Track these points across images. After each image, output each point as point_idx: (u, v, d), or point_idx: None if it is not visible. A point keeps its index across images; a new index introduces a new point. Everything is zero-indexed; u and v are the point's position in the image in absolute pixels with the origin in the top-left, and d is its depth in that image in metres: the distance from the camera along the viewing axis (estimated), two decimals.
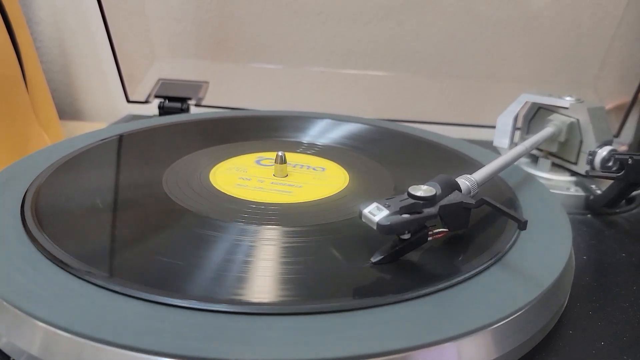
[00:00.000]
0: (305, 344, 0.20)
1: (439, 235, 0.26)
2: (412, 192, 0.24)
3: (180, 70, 0.61)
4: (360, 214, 0.24)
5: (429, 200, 0.24)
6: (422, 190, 0.24)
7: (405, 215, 0.23)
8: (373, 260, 0.24)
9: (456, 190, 0.26)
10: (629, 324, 0.27)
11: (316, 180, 0.35)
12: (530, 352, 0.24)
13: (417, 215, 0.23)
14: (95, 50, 0.69)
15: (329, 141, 0.43)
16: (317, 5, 0.58)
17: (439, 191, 0.25)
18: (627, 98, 0.52)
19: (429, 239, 0.25)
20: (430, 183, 0.26)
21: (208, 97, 0.58)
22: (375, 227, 0.23)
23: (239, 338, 0.20)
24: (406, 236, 0.24)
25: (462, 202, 0.25)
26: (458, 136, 0.47)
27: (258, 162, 0.38)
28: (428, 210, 0.24)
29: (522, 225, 0.23)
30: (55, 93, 0.70)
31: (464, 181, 0.28)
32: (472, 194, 0.28)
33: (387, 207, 0.23)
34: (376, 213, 0.23)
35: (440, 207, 0.24)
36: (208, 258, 0.25)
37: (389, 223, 0.22)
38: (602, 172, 0.38)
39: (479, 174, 0.30)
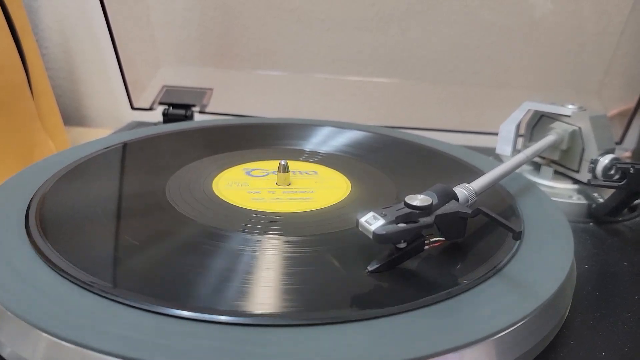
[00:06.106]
0: (304, 356, 0.20)
1: (436, 244, 0.26)
2: (409, 202, 0.24)
3: (185, 77, 0.61)
4: (357, 223, 0.24)
5: (425, 210, 0.24)
6: (419, 199, 0.25)
7: (401, 225, 0.23)
8: (369, 268, 0.24)
9: (453, 200, 0.26)
10: (630, 334, 0.26)
11: (318, 189, 0.35)
12: None
13: (413, 225, 0.23)
14: (100, 57, 0.69)
15: (332, 149, 0.43)
16: (320, 12, 0.58)
17: (436, 200, 0.25)
18: (631, 104, 0.52)
19: (426, 247, 0.25)
20: (427, 192, 0.26)
21: (212, 104, 0.59)
22: (371, 236, 0.23)
23: (241, 349, 0.20)
24: (402, 245, 0.24)
25: (458, 211, 0.25)
26: (461, 143, 0.47)
27: (261, 170, 0.38)
28: (424, 220, 0.24)
29: (517, 235, 0.23)
30: (61, 99, 0.71)
31: (462, 190, 0.28)
32: (469, 203, 0.28)
33: (384, 216, 0.23)
34: (372, 222, 0.23)
35: (437, 216, 0.24)
36: (211, 268, 0.25)
37: (384, 232, 0.22)
38: (604, 180, 0.38)
39: (478, 183, 0.30)
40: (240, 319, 0.21)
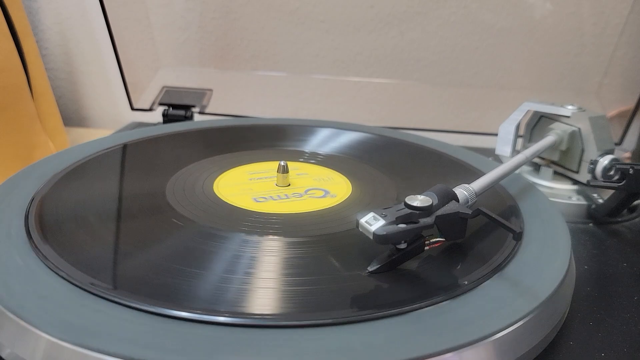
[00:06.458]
0: (304, 357, 0.20)
1: (436, 245, 0.26)
2: (409, 202, 0.24)
3: (185, 78, 0.61)
4: (357, 224, 0.24)
5: (425, 211, 0.24)
6: (419, 200, 0.25)
7: (402, 225, 0.23)
8: (370, 269, 0.25)
9: (453, 200, 0.26)
10: (629, 335, 0.27)
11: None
12: None
13: (413, 225, 0.23)
14: (100, 58, 0.69)
15: (332, 150, 0.43)
16: (320, 13, 0.59)
17: (436, 201, 0.25)
18: (630, 105, 0.52)
19: (426, 248, 0.25)
20: (427, 193, 0.26)
21: (212, 105, 0.59)
22: (371, 237, 0.23)
23: (240, 350, 0.20)
24: (402, 246, 0.25)
25: (458, 212, 0.25)
26: (461, 144, 0.47)
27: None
28: (424, 220, 0.24)
29: (517, 235, 0.23)
30: (61, 100, 0.71)
31: (462, 191, 0.28)
32: (469, 203, 0.28)
33: (384, 216, 0.23)
34: (372, 223, 0.23)
35: (437, 217, 0.24)
36: (210, 269, 0.25)
37: (385, 233, 0.22)
38: (604, 181, 0.38)
39: (477, 184, 0.30)
40: (240, 319, 0.21)
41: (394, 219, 0.23)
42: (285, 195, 0.34)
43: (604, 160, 0.39)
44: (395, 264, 0.25)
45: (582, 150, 0.40)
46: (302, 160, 0.40)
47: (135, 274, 0.25)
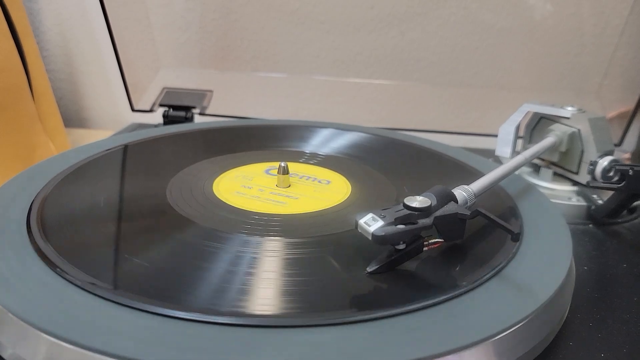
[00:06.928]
0: (304, 358, 0.20)
1: (435, 246, 0.26)
2: (408, 203, 0.24)
3: (185, 79, 0.62)
4: (356, 224, 0.24)
5: (424, 211, 0.24)
6: (418, 201, 0.25)
7: (400, 226, 0.23)
8: (369, 269, 0.25)
9: (452, 201, 0.26)
10: (629, 335, 0.27)
11: (319, 191, 0.35)
12: None
13: (412, 226, 0.24)
14: (100, 59, 0.69)
15: (332, 151, 0.43)
16: (320, 14, 0.59)
17: (435, 202, 0.25)
18: (630, 106, 0.52)
19: (425, 249, 0.26)
20: (426, 194, 0.26)
21: (212, 106, 0.59)
22: (370, 238, 0.23)
23: (240, 350, 0.20)
24: (401, 246, 0.25)
25: (457, 213, 0.25)
26: (460, 145, 0.47)
27: (261, 172, 0.38)
28: (423, 221, 0.24)
29: (515, 236, 0.23)
30: (61, 101, 0.71)
31: (461, 192, 0.28)
32: (468, 204, 0.28)
33: (383, 217, 0.23)
34: (371, 223, 0.23)
35: (435, 218, 0.24)
36: (211, 270, 0.25)
37: (383, 234, 0.23)
38: (603, 182, 0.38)
39: (476, 185, 0.30)
40: (241, 320, 0.21)
41: (393, 220, 0.23)
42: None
43: (604, 162, 0.39)
44: (394, 265, 0.25)
45: (582, 152, 0.40)
46: (302, 161, 0.40)
47: (135, 274, 0.25)
